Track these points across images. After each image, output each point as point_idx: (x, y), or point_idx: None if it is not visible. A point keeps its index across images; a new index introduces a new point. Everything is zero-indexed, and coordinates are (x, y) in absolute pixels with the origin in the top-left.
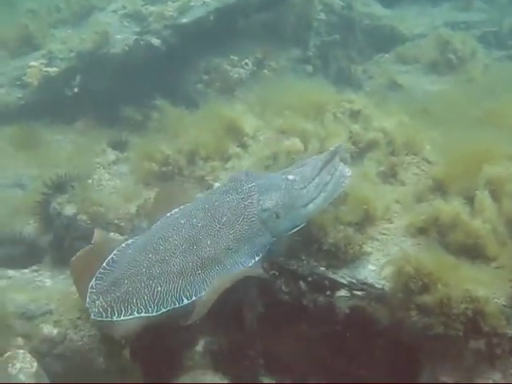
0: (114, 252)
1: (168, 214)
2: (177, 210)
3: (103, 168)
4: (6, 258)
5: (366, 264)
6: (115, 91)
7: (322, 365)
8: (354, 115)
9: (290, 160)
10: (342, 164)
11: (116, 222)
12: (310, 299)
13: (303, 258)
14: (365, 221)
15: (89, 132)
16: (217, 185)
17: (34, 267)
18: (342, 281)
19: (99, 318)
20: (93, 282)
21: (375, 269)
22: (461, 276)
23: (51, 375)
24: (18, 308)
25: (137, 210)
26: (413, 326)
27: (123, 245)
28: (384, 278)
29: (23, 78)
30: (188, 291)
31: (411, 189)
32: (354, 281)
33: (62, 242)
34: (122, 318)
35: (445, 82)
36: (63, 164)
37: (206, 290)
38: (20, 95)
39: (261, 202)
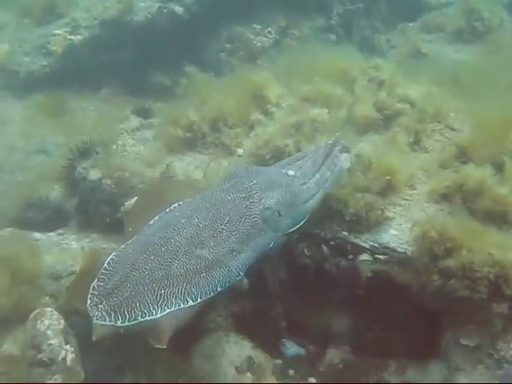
0: (114, 253)
1: (167, 210)
2: (176, 205)
3: (127, 134)
4: (33, 222)
5: (388, 229)
6: (139, 59)
7: (343, 328)
8: (381, 82)
9: (314, 128)
10: (341, 156)
11: (140, 186)
12: (332, 263)
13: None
14: (387, 189)
15: (113, 100)
16: (239, 151)
17: (60, 230)
18: (365, 245)
19: (102, 322)
20: (95, 283)
21: (397, 233)
22: (486, 241)
23: (77, 334)
24: (45, 268)
25: (161, 175)
26: (436, 289)
27: (123, 245)
28: (406, 243)
29: (48, 46)
30: (193, 293)
31: (435, 156)
32: (376, 245)
33: (87, 206)
34: (126, 323)
35: (470, 51)
36: (88, 131)
37: (211, 292)
38: (45, 63)
39: (262, 201)
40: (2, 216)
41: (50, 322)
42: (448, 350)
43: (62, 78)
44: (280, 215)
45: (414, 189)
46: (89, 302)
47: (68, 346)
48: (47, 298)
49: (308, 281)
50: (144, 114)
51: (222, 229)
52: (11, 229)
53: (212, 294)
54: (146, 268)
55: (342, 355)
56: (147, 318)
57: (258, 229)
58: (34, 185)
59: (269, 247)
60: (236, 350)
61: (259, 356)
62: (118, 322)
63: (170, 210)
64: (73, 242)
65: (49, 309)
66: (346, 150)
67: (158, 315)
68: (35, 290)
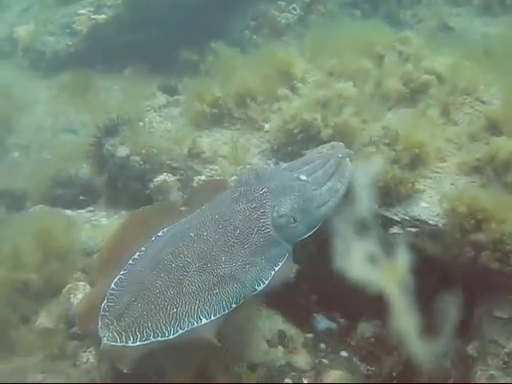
0: (122, 272)
1: (176, 224)
2: (184, 219)
3: (154, 111)
4: (63, 200)
5: (418, 201)
6: (163, 37)
7: (374, 301)
8: (409, 56)
9: (341, 103)
10: (347, 166)
11: (168, 162)
12: None
13: None
14: (416, 162)
15: (138, 78)
16: (266, 126)
17: (90, 208)
18: (395, 218)
19: (113, 343)
20: (104, 304)
21: (428, 206)
22: None
23: None
24: (78, 244)
25: (188, 151)
26: (468, 261)
27: (130, 261)
28: (438, 215)
29: (72, 25)
30: (206, 311)
31: (464, 128)
32: (407, 217)
33: (116, 183)
34: (138, 343)
35: (499, 24)
36: (114, 109)
37: (226, 309)
38: (70, 43)
39: (276, 208)
40: (32, 194)
41: (82, 296)
42: (481, 323)
43: (86, 57)
44: (295, 221)
45: (444, 161)
46: (100, 323)
47: None
48: (79, 273)
49: None
50: (170, 91)
51: (234, 242)
52: (42, 206)
53: (226, 310)
54: (157, 286)
55: (374, 329)
56: (159, 338)
57: (272, 240)
58: (62, 163)
59: (284, 259)
60: (268, 324)
61: (290, 330)
62: (129, 342)
63: (179, 223)
64: (103, 219)
65: (81, 283)
66: (349, 155)
67: (171, 336)
68: (68, 264)
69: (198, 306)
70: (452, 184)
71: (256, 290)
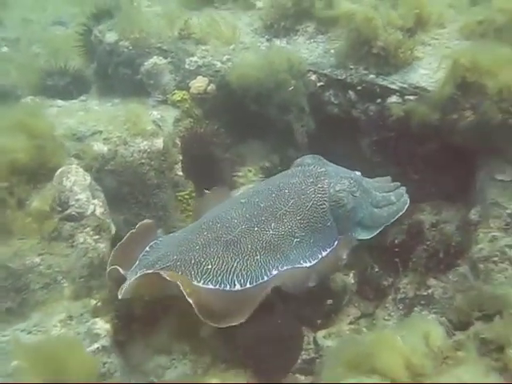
0: (160, 238)
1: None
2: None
3: None
4: (55, 90)
5: (417, 69)
6: None
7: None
8: None
9: None
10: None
11: (159, 45)
12: (360, 110)
13: (351, 66)
14: (417, 26)
15: None
16: (259, 4)
17: (82, 97)
18: (393, 86)
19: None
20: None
21: (427, 72)
22: None
23: (105, 189)
24: (68, 130)
25: (179, 33)
26: (468, 125)
27: (171, 234)
28: (437, 81)
29: None
30: (242, 276)
31: None
32: (405, 85)
33: (106, 70)
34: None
35: None
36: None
37: (263, 278)
38: None
39: (332, 184)
40: (23, 86)
41: (75, 179)
42: (483, 187)
43: None
44: (355, 197)
45: (444, 27)
46: (128, 275)
47: (96, 200)
48: (72, 159)
49: (336, 129)
50: None
51: (286, 211)
52: (32, 97)
53: (265, 278)
54: (197, 242)
55: None
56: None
57: (326, 219)
58: (52, 55)
59: (333, 245)
60: None
61: None
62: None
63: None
64: (95, 107)
65: (74, 166)
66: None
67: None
68: (57, 148)
69: (235, 269)
70: (453, 48)
71: (302, 264)
